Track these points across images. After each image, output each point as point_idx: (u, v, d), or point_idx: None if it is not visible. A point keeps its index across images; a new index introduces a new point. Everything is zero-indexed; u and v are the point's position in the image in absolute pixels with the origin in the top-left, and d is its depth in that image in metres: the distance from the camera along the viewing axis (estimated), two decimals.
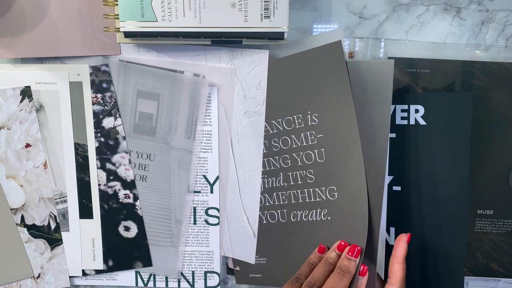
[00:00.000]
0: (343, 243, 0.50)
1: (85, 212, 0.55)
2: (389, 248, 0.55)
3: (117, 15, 0.47)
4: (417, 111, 0.53)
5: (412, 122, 0.53)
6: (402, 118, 0.54)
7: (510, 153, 0.54)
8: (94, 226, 0.56)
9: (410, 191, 0.54)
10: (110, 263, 0.57)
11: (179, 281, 0.58)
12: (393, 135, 0.54)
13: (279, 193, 0.55)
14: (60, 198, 0.55)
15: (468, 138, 0.52)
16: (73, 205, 0.55)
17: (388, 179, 0.54)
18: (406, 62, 0.53)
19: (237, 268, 0.58)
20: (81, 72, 0.53)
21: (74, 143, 0.54)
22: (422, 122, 0.53)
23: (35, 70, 0.53)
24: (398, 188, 0.55)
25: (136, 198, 0.55)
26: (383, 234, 0.55)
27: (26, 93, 0.53)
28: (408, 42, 0.53)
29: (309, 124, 0.53)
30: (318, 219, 0.54)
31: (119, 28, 0.47)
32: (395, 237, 0.55)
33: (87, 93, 0.53)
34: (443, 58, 0.53)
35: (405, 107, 0.53)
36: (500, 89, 0.53)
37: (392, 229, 0.55)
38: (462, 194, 0.53)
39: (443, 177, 0.53)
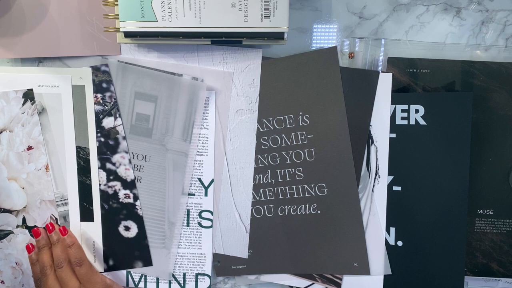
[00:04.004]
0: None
1: (86, 215, 0.55)
2: (389, 248, 0.55)
3: (117, 15, 0.47)
4: (417, 111, 0.53)
5: (412, 122, 0.53)
6: (402, 118, 0.54)
7: (510, 153, 0.54)
8: (94, 229, 0.56)
9: (410, 191, 0.54)
10: (110, 262, 0.57)
11: (170, 283, 0.58)
12: (393, 135, 0.54)
13: (266, 189, 0.56)
14: (61, 200, 0.55)
15: (468, 138, 0.52)
16: (74, 208, 0.55)
17: (388, 179, 0.55)
18: (406, 62, 0.53)
19: (217, 263, 0.58)
20: (84, 76, 0.52)
21: (76, 146, 0.54)
22: (422, 122, 0.53)
23: (38, 73, 0.52)
24: (398, 188, 0.55)
25: (136, 198, 0.55)
26: (383, 234, 0.55)
27: (28, 96, 0.53)
28: (408, 42, 0.53)
29: (300, 124, 0.54)
30: (307, 213, 0.55)
31: (119, 28, 0.47)
32: (395, 237, 0.55)
33: (90, 97, 0.53)
34: (443, 58, 0.53)
35: (405, 107, 0.53)
36: (500, 89, 0.53)
37: (392, 229, 0.55)
38: (462, 194, 0.53)
39: (443, 177, 0.53)
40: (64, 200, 0.55)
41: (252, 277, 0.58)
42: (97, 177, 0.54)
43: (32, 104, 0.52)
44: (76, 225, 0.55)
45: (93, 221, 0.55)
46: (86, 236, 0.56)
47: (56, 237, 0.53)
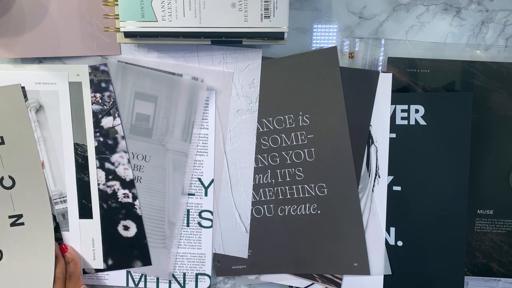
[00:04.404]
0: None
1: (85, 212, 0.55)
2: (389, 248, 0.55)
3: (117, 15, 0.47)
4: (417, 111, 0.53)
5: (412, 122, 0.53)
6: (402, 118, 0.54)
7: (510, 153, 0.54)
8: (93, 226, 0.56)
9: (410, 191, 0.54)
10: (110, 262, 0.57)
11: (170, 283, 0.58)
12: (393, 135, 0.54)
13: (266, 189, 0.56)
14: (59, 198, 0.55)
15: (468, 138, 0.52)
16: (72, 205, 0.55)
17: (388, 179, 0.55)
18: (406, 62, 0.53)
19: (217, 263, 0.58)
20: (81, 73, 0.52)
21: (74, 143, 0.54)
22: (422, 122, 0.53)
23: (35, 71, 0.53)
24: (398, 188, 0.55)
25: (135, 197, 0.55)
26: (383, 234, 0.55)
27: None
28: (408, 42, 0.53)
29: (300, 124, 0.54)
30: (307, 213, 0.55)
31: (119, 28, 0.47)
32: (395, 237, 0.55)
33: (87, 94, 0.53)
34: (443, 58, 0.53)
35: (405, 107, 0.53)
36: (500, 89, 0.53)
37: (392, 229, 0.55)
38: (462, 194, 0.53)
39: (443, 177, 0.53)
40: (63, 197, 0.55)
41: (252, 277, 0.58)
42: (95, 174, 0.54)
43: (25, 101, 0.52)
44: (75, 222, 0.55)
45: (92, 218, 0.55)
46: (85, 233, 0.56)
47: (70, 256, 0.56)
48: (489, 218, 0.55)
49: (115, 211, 0.55)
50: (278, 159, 0.55)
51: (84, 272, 0.57)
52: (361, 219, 0.55)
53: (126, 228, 0.56)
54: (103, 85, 0.53)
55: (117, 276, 0.58)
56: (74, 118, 0.53)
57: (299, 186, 0.55)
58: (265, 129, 0.55)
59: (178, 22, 0.46)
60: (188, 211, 0.56)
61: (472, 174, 0.53)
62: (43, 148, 0.54)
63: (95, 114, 0.53)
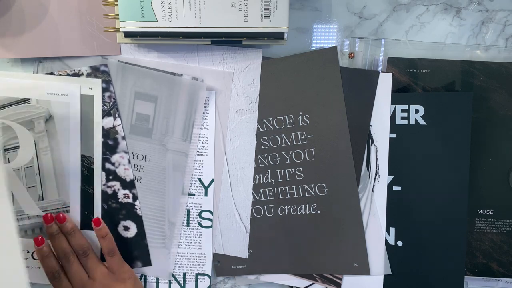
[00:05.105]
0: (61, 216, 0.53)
1: (86, 223, 0.55)
2: (389, 248, 0.55)
3: (117, 15, 0.47)
4: (417, 111, 0.53)
5: (412, 122, 0.53)
6: (402, 118, 0.54)
7: (510, 153, 0.54)
8: (94, 238, 0.55)
9: (410, 191, 0.54)
10: None
11: (170, 283, 0.58)
12: (393, 135, 0.54)
13: (266, 189, 0.56)
14: (62, 208, 0.55)
15: (468, 138, 0.52)
16: (75, 216, 0.55)
17: (388, 179, 0.55)
18: (406, 62, 0.53)
19: (217, 263, 0.58)
20: (93, 86, 0.52)
21: (81, 155, 0.54)
22: (422, 122, 0.53)
23: (48, 81, 0.52)
24: (398, 188, 0.55)
25: (135, 197, 0.55)
26: (383, 234, 0.55)
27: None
28: (408, 42, 0.53)
29: (300, 124, 0.54)
30: (307, 213, 0.55)
31: (119, 28, 0.47)
32: (395, 237, 0.55)
33: (98, 107, 0.53)
34: (443, 58, 0.53)
35: (405, 107, 0.53)
36: (500, 89, 0.53)
37: (392, 229, 0.55)
38: (462, 194, 0.53)
39: (443, 177, 0.53)
40: (66, 207, 0.55)
41: (252, 277, 0.58)
42: (99, 186, 0.54)
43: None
44: None
45: (92, 229, 0.55)
46: None
47: (71, 226, 0.53)
48: (489, 218, 0.55)
49: (115, 212, 0.55)
50: (278, 159, 0.55)
51: None
52: (361, 219, 0.55)
53: (126, 228, 0.56)
54: (103, 85, 0.53)
55: None
56: (83, 131, 0.53)
57: (299, 186, 0.55)
58: (265, 129, 0.55)
59: (178, 22, 0.46)
60: (188, 211, 0.56)
61: (472, 174, 0.53)
62: (49, 157, 0.53)
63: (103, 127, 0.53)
